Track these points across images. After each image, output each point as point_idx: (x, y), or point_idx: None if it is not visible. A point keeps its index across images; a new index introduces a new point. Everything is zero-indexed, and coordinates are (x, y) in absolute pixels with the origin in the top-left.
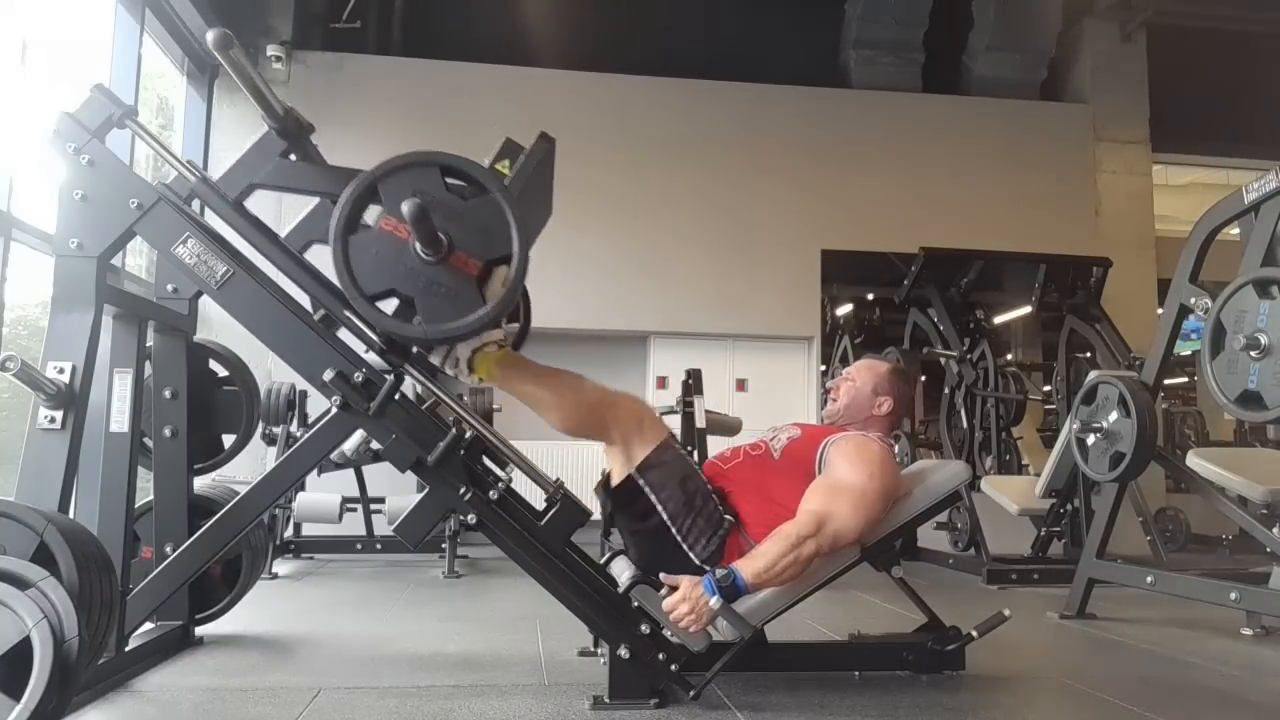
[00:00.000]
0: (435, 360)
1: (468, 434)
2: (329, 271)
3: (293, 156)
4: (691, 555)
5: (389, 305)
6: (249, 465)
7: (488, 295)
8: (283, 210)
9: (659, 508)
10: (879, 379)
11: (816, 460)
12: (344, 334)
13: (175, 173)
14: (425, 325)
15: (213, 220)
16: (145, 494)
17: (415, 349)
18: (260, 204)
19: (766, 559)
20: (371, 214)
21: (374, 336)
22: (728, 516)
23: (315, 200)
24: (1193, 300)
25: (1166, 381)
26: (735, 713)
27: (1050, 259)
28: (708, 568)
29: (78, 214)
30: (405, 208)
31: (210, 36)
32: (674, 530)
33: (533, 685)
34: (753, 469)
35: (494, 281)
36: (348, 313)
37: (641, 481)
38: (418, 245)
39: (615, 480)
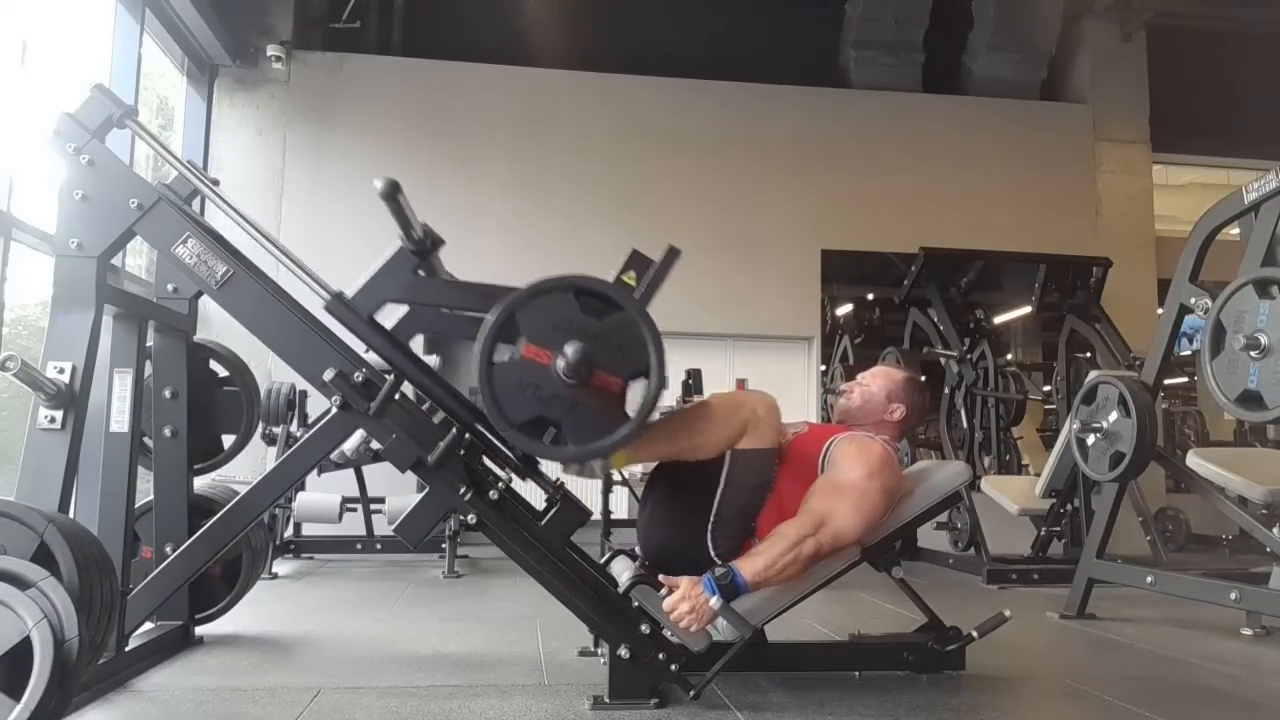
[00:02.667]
0: (572, 472)
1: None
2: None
3: (420, 271)
4: (709, 546)
5: None
6: (249, 465)
7: (628, 408)
8: (283, 209)
9: (719, 492)
10: (894, 386)
11: (820, 459)
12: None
13: (175, 173)
14: (574, 447)
15: (213, 221)
16: (145, 494)
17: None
18: (262, 194)
19: (766, 558)
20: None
21: (510, 453)
22: (754, 524)
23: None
24: (1193, 300)
25: (1166, 381)
26: (735, 713)
27: (1050, 259)
28: (717, 561)
29: (78, 214)
30: (569, 353)
31: (380, 187)
32: (711, 519)
33: (533, 685)
34: None
35: (633, 392)
36: (480, 427)
37: (729, 461)
38: (560, 369)
39: (709, 452)
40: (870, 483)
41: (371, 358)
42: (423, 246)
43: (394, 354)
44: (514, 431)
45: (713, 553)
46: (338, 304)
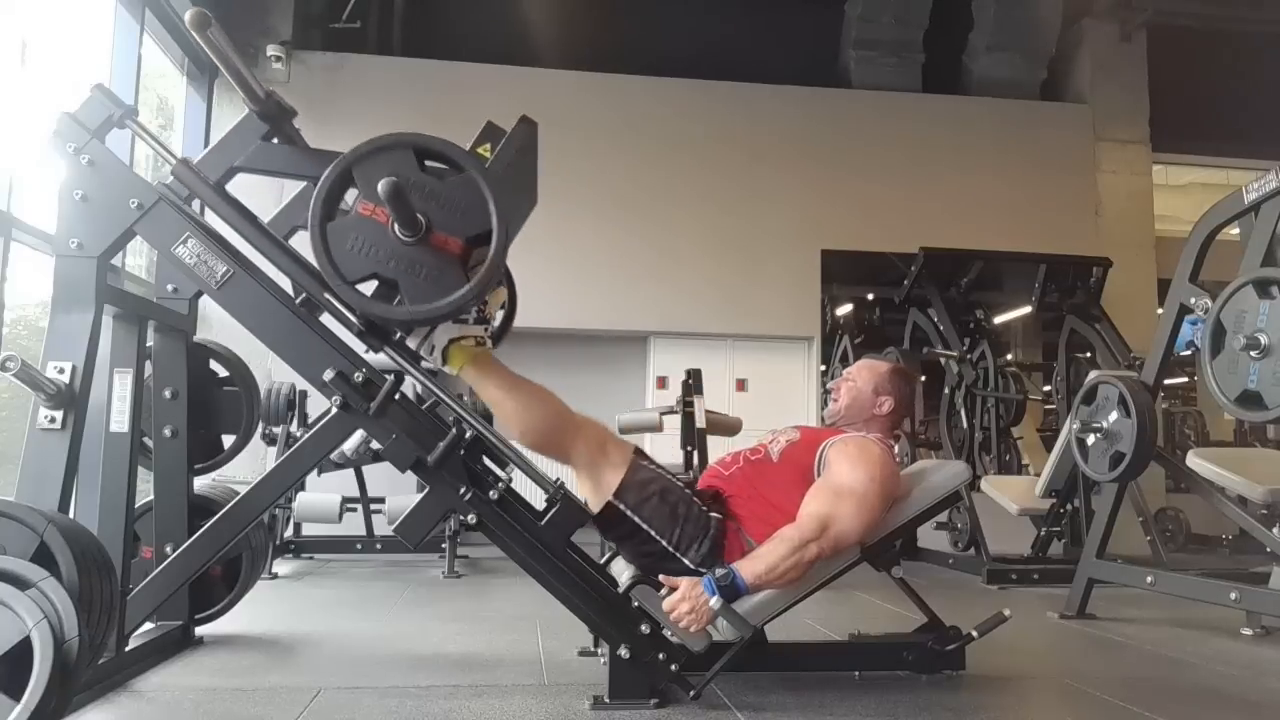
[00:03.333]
0: (412, 343)
1: (468, 434)
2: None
3: (275, 140)
4: (686, 561)
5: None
6: (249, 465)
7: (471, 276)
8: (284, 198)
9: (645, 526)
10: (880, 379)
11: (815, 462)
12: (328, 320)
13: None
14: (409, 306)
15: (213, 220)
16: (145, 494)
17: (397, 333)
18: (261, 193)
19: (768, 561)
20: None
21: (354, 319)
22: (713, 515)
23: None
24: (1193, 300)
25: (1166, 381)
26: (735, 713)
27: (1050, 259)
28: (704, 570)
29: (78, 214)
30: (380, 188)
31: (188, 17)
32: (664, 543)
33: (533, 685)
34: (752, 473)
35: (476, 261)
36: (328, 295)
37: (622, 506)
38: (396, 227)
39: (595, 508)
40: (870, 484)
41: (371, 358)
42: (268, 110)
43: (241, 222)
44: (347, 287)
45: (693, 564)
46: (183, 168)
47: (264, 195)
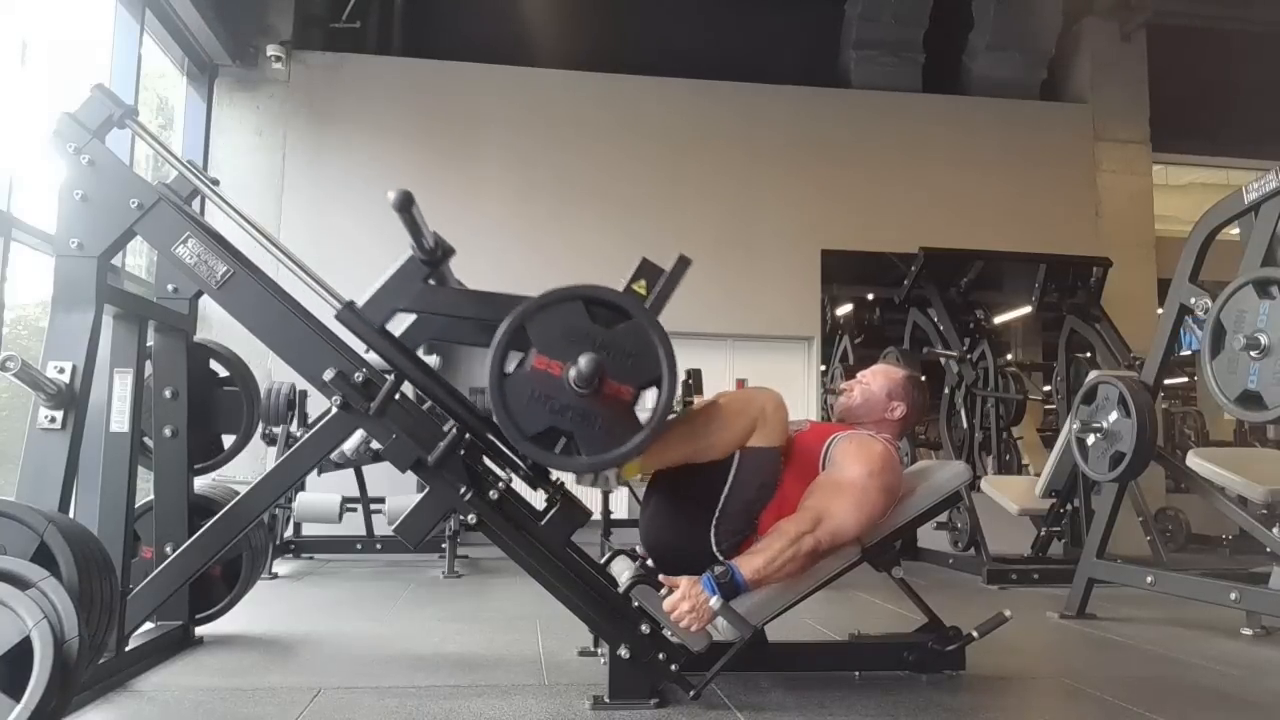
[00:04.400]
0: (586, 483)
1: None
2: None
3: (431, 280)
4: (713, 542)
5: None
6: (249, 465)
7: (640, 416)
8: (283, 208)
9: (726, 490)
10: (894, 384)
11: (821, 457)
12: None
13: (175, 173)
14: (587, 457)
15: (213, 221)
16: (145, 494)
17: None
18: (261, 192)
19: (765, 555)
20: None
21: (521, 463)
22: (756, 522)
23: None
24: (1193, 300)
25: (1166, 381)
26: (735, 713)
27: (1050, 259)
28: (720, 558)
29: (78, 214)
30: (583, 364)
31: (394, 198)
32: (715, 515)
33: (533, 685)
34: None
35: (644, 401)
36: (491, 435)
37: (737, 460)
38: (571, 379)
39: (720, 452)
40: (871, 481)
41: (371, 357)
42: (433, 256)
43: (404, 362)
44: (527, 443)
45: (715, 549)
46: (348, 313)
47: (264, 195)
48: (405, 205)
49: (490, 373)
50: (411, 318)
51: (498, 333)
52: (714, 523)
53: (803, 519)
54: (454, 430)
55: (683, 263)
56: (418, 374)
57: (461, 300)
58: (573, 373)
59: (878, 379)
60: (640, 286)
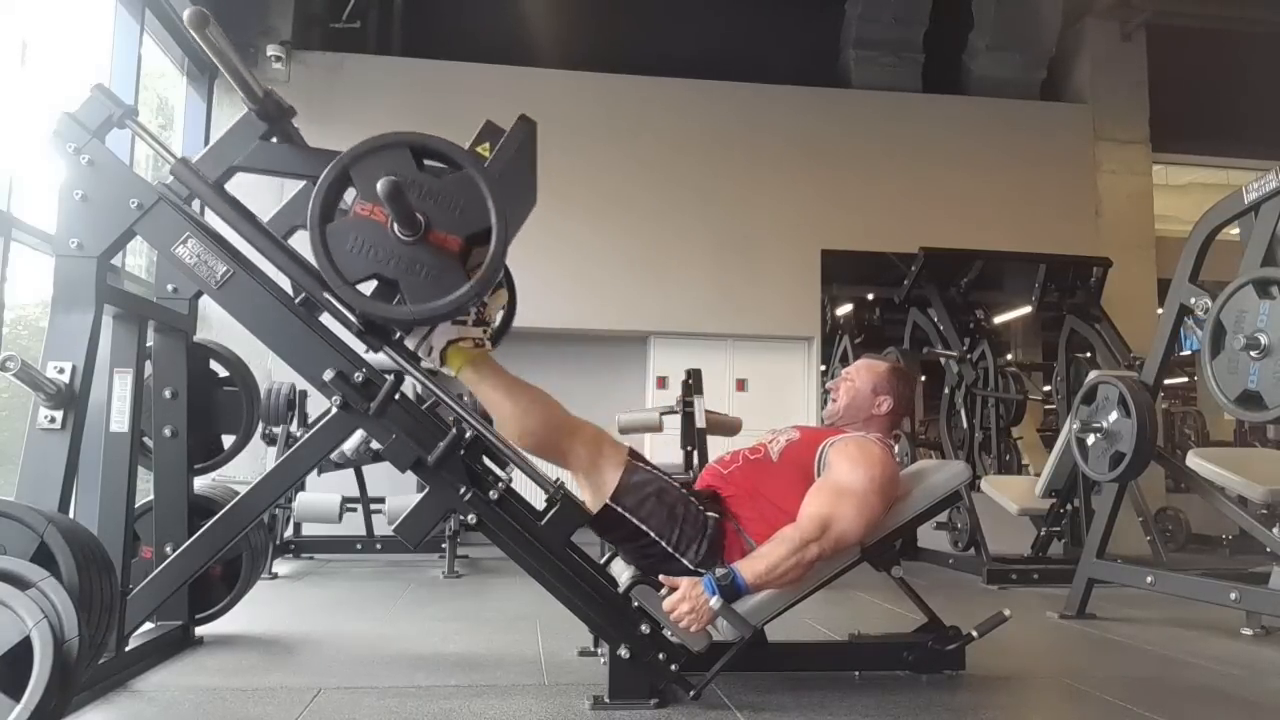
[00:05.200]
0: (410, 344)
1: (468, 434)
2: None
3: (274, 139)
4: (685, 562)
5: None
6: (249, 465)
7: (471, 275)
8: (284, 196)
9: (643, 528)
10: (878, 378)
11: (816, 462)
12: (328, 320)
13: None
14: (410, 306)
15: (213, 220)
16: (145, 494)
17: (396, 333)
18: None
19: (768, 561)
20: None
21: (353, 319)
22: (710, 515)
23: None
24: (1193, 300)
25: (1166, 381)
26: (735, 713)
27: (1050, 259)
28: (704, 570)
29: (78, 214)
30: (379, 187)
31: (187, 16)
32: (663, 544)
33: (533, 685)
34: (752, 472)
35: (476, 260)
36: (327, 295)
37: (620, 509)
38: (396, 227)
39: (593, 510)
40: (870, 484)
41: (371, 358)
42: (266, 109)
43: (241, 222)
44: (349, 289)
45: (691, 564)
46: (182, 167)
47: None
48: (200, 25)
49: (310, 216)
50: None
51: (321, 176)
52: (670, 548)
53: (807, 526)
54: (454, 430)
55: (523, 123)
56: (258, 237)
57: (294, 157)
58: (395, 221)
59: (862, 374)
60: (484, 149)
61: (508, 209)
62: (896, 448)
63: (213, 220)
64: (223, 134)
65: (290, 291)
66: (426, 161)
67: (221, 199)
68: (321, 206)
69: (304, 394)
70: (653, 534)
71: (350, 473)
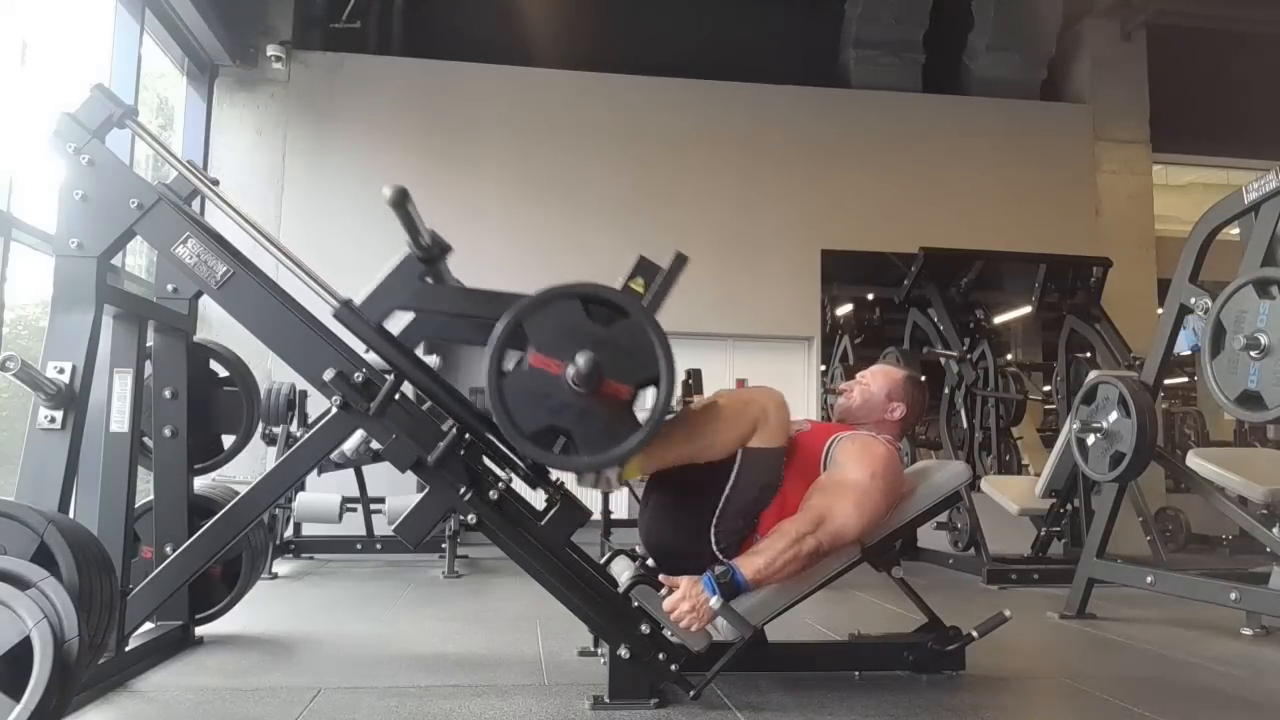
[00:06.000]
0: (587, 484)
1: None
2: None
3: (428, 279)
4: (712, 541)
5: None
6: (249, 465)
7: (639, 416)
8: (283, 209)
9: (727, 490)
10: (894, 385)
11: (822, 457)
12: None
13: (175, 173)
14: (586, 456)
15: (213, 221)
16: (145, 494)
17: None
18: (261, 203)
19: (766, 556)
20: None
21: (520, 463)
22: (756, 521)
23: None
24: (1193, 300)
25: (1166, 381)
26: (735, 713)
27: (1050, 259)
28: (720, 557)
29: (78, 214)
30: (580, 363)
31: (389, 194)
32: (715, 515)
33: (533, 685)
34: None
35: (643, 400)
36: (487, 432)
37: (739, 460)
38: (570, 378)
39: (718, 452)
40: (873, 482)
41: (371, 358)
42: (430, 254)
43: (402, 361)
44: (526, 441)
45: (715, 548)
46: (346, 311)
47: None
48: (400, 201)
49: (488, 371)
50: (409, 316)
51: (495, 330)
52: (714, 523)
53: (805, 520)
54: (454, 430)
55: (680, 260)
56: (416, 373)
57: (459, 298)
58: (571, 371)
59: (877, 379)
60: (638, 284)
61: (672, 354)
62: (900, 447)
63: (213, 220)
64: (385, 276)
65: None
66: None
67: (386, 343)
68: (498, 362)
69: (304, 394)
70: (722, 502)
71: (350, 473)
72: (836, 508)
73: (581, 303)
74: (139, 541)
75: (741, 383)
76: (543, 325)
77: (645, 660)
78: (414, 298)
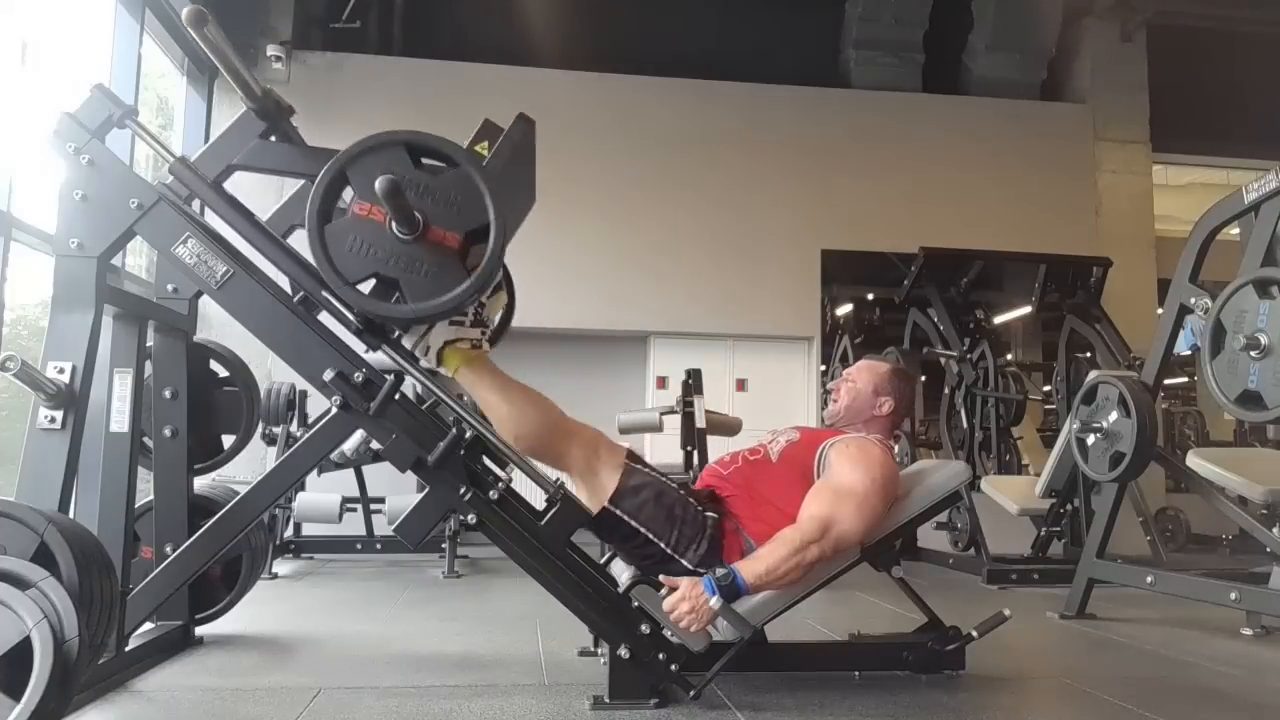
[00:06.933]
0: (408, 343)
1: (468, 434)
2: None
3: (272, 138)
4: (684, 562)
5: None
6: (249, 465)
7: (470, 273)
8: (284, 196)
9: (642, 530)
10: (880, 379)
11: (816, 463)
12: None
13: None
14: (410, 304)
15: (213, 220)
16: (145, 494)
17: (394, 332)
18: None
19: (768, 562)
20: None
21: (351, 318)
22: (709, 514)
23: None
24: (1193, 300)
25: (1166, 381)
26: (735, 713)
27: (1050, 259)
28: (704, 570)
29: (78, 214)
30: (377, 185)
31: (185, 14)
32: (662, 545)
33: (533, 685)
34: (751, 473)
35: (475, 257)
36: (325, 294)
37: (618, 511)
38: (394, 225)
39: (592, 511)
40: (871, 485)
41: (371, 358)
42: (265, 108)
43: (236, 218)
44: (349, 289)
45: (690, 565)
46: (180, 166)
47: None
48: (198, 23)
49: (309, 217)
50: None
51: (318, 176)
52: (669, 550)
53: (808, 528)
54: (454, 430)
55: (522, 121)
56: (257, 236)
57: (292, 156)
58: (394, 220)
59: (863, 375)
60: (482, 149)
61: (506, 207)
62: (896, 448)
63: (213, 220)
64: (221, 133)
65: (289, 291)
66: (424, 160)
67: (220, 198)
68: (320, 206)
69: (304, 394)
70: (651, 536)
71: (350, 473)
72: (839, 515)
73: (408, 151)
74: (139, 541)
75: (741, 383)
76: (369, 173)
77: (645, 660)
78: (249, 155)
